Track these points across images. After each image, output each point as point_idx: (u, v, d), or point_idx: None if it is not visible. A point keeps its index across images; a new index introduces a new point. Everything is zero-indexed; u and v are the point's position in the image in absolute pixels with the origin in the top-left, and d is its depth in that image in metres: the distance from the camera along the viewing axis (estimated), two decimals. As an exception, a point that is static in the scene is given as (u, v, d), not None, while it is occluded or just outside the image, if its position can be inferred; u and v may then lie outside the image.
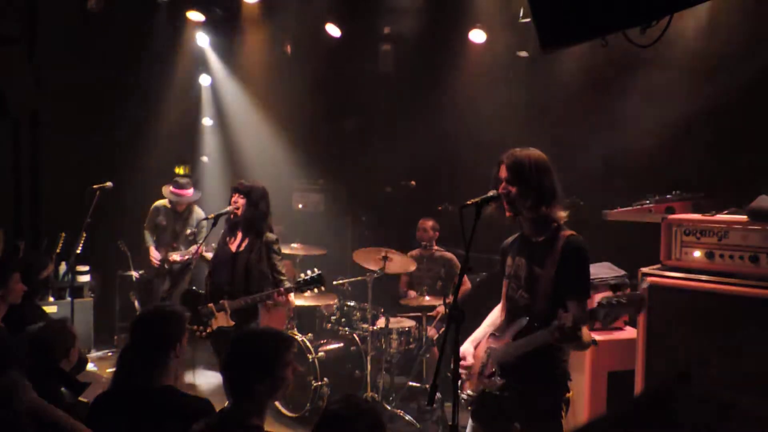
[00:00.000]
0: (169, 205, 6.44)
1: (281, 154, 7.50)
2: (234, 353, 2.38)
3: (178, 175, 6.54)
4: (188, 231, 6.29)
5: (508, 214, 2.82)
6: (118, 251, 6.72)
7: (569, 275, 2.74)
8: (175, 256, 6.15)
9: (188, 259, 6.14)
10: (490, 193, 2.80)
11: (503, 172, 2.82)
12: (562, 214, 2.84)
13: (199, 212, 6.50)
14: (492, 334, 3.00)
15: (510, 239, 3.07)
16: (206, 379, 5.73)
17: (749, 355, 3.11)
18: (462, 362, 2.90)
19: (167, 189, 6.41)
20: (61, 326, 3.25)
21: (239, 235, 4.50)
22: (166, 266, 6.29)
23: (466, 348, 2.99)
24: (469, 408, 2.95)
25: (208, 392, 5.34)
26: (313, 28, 6.99)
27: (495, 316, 3.13)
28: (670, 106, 4.75)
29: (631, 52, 4.84)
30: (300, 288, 4.36)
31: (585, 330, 2.65)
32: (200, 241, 5.16)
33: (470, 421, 2.99)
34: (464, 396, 2.94)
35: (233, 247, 4.48)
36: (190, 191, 6.41)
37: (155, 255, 6.32)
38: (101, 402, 2.63)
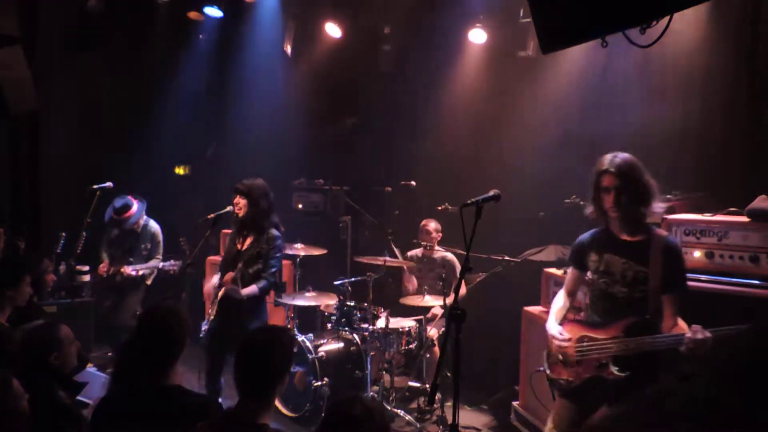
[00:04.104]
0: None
1: (281, 154, 7.49)
2: (251, 353, 2.40)
3: (116, 199, 5.99)
4: (142, 246, 6.00)
5: (614, 215, 3.06)
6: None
7: (673, 273, 3.00)
8: (129, 270, 5.82)
9: (146, 272, 5.98)
10: (491, 193, 2.86)
11: (608, 181, 3.03)
12: (660, 210, 3.14)
13: (152, 227, 6.08)
14: (580, 322, 3.27)
15: (587, 235, 3.27)
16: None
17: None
18: (561, 337, 3.17)
19: (110, 215, 5.99)
20: (52, 326, 3.23)
21: (245, 235, 4.55)
22: (117, 279, 5.88)
23: (558, 328, 3.24)
24: (562, 390, 3.20)
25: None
26: (313, 28, 6.99)
27: (562, 301, 3.40)
28: (670, 106, 4.75)
29: (632, 53, 4.87)
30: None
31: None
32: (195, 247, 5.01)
33: (560, 400, 3.21)
34: (561, 381, 3.16)
35: (242, 248, 4.55)
36: (133, 209, 5.96)
37: (103, 268, 5.95)
38: (107, 402, 2.63)
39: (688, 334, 2.82)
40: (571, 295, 3.43)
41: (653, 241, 3.04)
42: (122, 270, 5.84)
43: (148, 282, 6.11)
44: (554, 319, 3.32)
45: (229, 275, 4.42)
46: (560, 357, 3.18)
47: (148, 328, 2.67)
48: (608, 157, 3.08)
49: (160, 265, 5.92)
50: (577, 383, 3.11)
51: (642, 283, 3.02)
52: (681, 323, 2.96)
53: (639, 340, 2.95)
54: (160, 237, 6.14)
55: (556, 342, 3.21)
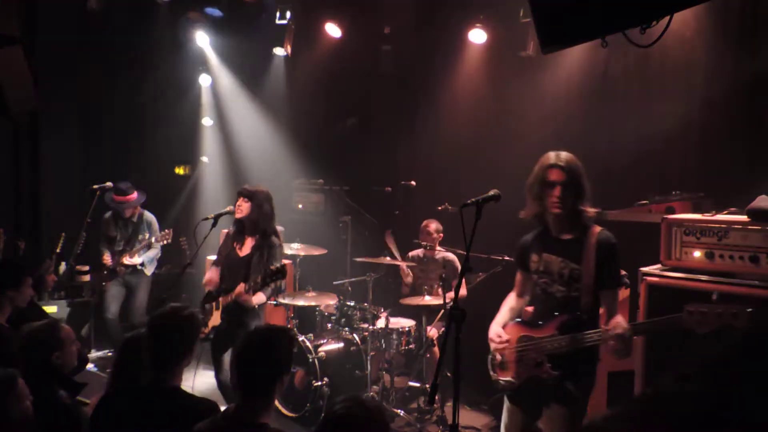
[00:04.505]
0: (115, 214, 6.21)
1: (281, 154, 7.49)
2: (252, 353, 2.39)
3: (119, 182, 6.17)
4: (140, 236, 6.14)
5: (557, 211, 3.02)
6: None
7: (607, 269, 3.01)
8: (126, 259, 6.00)
9: (146, 259, 6.14)
10: (491, 192, 2.87)
11: (555, 175, 3.01)
12: (592, 210, 3.06)
13: (148, 216, 6.26)
14: (521, 322, 3.22)
15: (529, 236, 3.26)
16: (205, 379, 5.71)
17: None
18: (499, 339, 3.16)
19: (110, 197, 6.16)
20: (54, 326, 3.23)
21: (246, 239, 4.56)
22: (119, 270, 6.09)
23: (497, 329, 3.22)
24: (506, 392, 3.19)
25: (204, 393, 5.32)
26: (313, 28, 6.99)
27: (512, 302, 3.38)
28: (670, 106, 4.75)
29: (632, 53, 4.87)
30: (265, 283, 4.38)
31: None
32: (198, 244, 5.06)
33: (507, 404, 3.21)
34: (502, 381, 3.15)
35: (241, 252, 4.56)
36: (134, 195, 6.15)
37: (108, 258, 6.09)
38: (106, 402, 2.62)
39: (607, 329, 2.86)
40: (522, 296, 3.39)
41: (587, 238, 3.04)
42: (122, 260, 5.92)
43: (148, 272, 6.16)
44: (498, 320, 3.30)
45: (242, 287, 4.41)
46: (499, 358, 3.17)
47: (164, 329, 2.64)
48: (552, 153, 3.08)
49: (157, 244, 6.10)
50: (518, 384, 3.11)
51: (577, 281, 3.03)
52: (617, 318, 2.94)
53: (568, 338, 2.96)
54: (156, 225, 6.32)
55: (493, 344, 3.20)
